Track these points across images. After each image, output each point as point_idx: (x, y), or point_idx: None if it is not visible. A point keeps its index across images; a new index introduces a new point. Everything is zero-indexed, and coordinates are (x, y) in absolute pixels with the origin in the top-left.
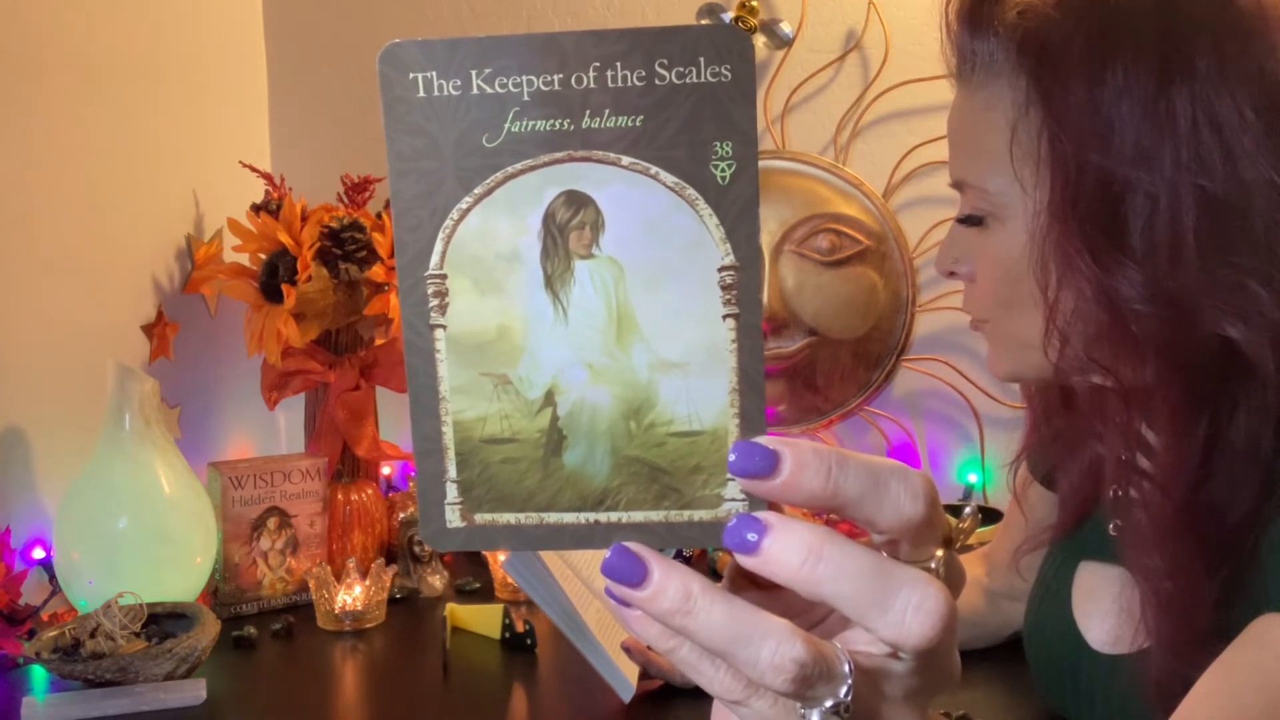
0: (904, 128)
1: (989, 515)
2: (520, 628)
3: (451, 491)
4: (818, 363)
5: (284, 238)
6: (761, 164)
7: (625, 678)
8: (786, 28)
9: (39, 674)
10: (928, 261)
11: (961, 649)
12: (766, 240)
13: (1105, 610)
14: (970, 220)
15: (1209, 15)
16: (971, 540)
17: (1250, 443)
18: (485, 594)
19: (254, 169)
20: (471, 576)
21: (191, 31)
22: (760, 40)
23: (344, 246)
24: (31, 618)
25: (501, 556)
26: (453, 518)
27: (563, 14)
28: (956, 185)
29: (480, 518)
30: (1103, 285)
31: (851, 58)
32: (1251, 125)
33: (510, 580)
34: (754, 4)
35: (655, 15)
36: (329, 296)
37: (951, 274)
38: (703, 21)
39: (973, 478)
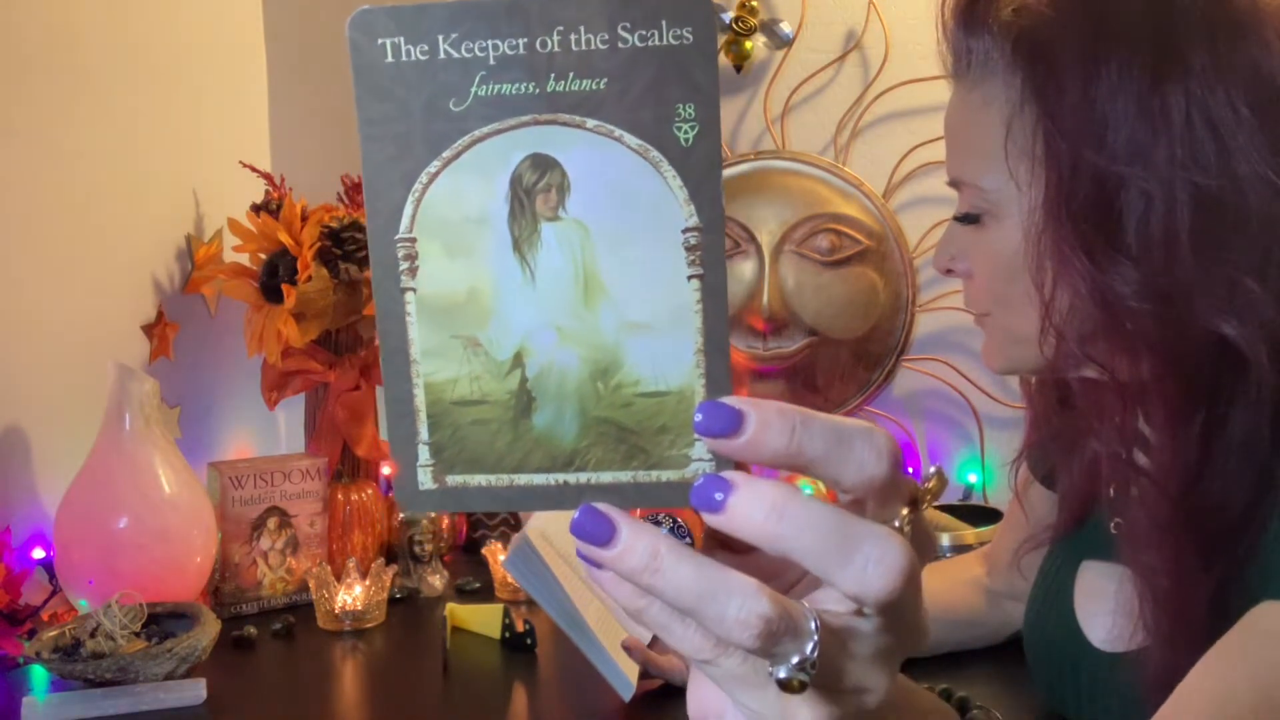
0: (904, 128)
1: (988, 515)
2: (520, 628)
3: (424, 454)
4: (818, 363)
5: (284, 238)
6: (761, 164)
7: (625, 677)
8: (786, 28)
9: (39, 674)
10: (928, 261)
11: (961, 649)
12: (767, 240)
13: (1106, 609)
14: (967, 218)
15: (1202, 11)
16: (971, 540)
17: (1246, 438)
18: (485, 594)
19: (254, 169)
20: (471, 576)
21: (191, 31)
22: (760, 40)
23: (344, 246)
24: (31, 618)
25: (501, 555)
26: (425, 480)
27: None
28: (953, 183)
29: (452, 480)
30: (1097, 282)
31: (851, 58)
32: (1245, 121)
33: (510, 580)
34: (754, 4)
35: None
36: (329, 296)
37: (949, 271)
38: None
39: (973, 478)
